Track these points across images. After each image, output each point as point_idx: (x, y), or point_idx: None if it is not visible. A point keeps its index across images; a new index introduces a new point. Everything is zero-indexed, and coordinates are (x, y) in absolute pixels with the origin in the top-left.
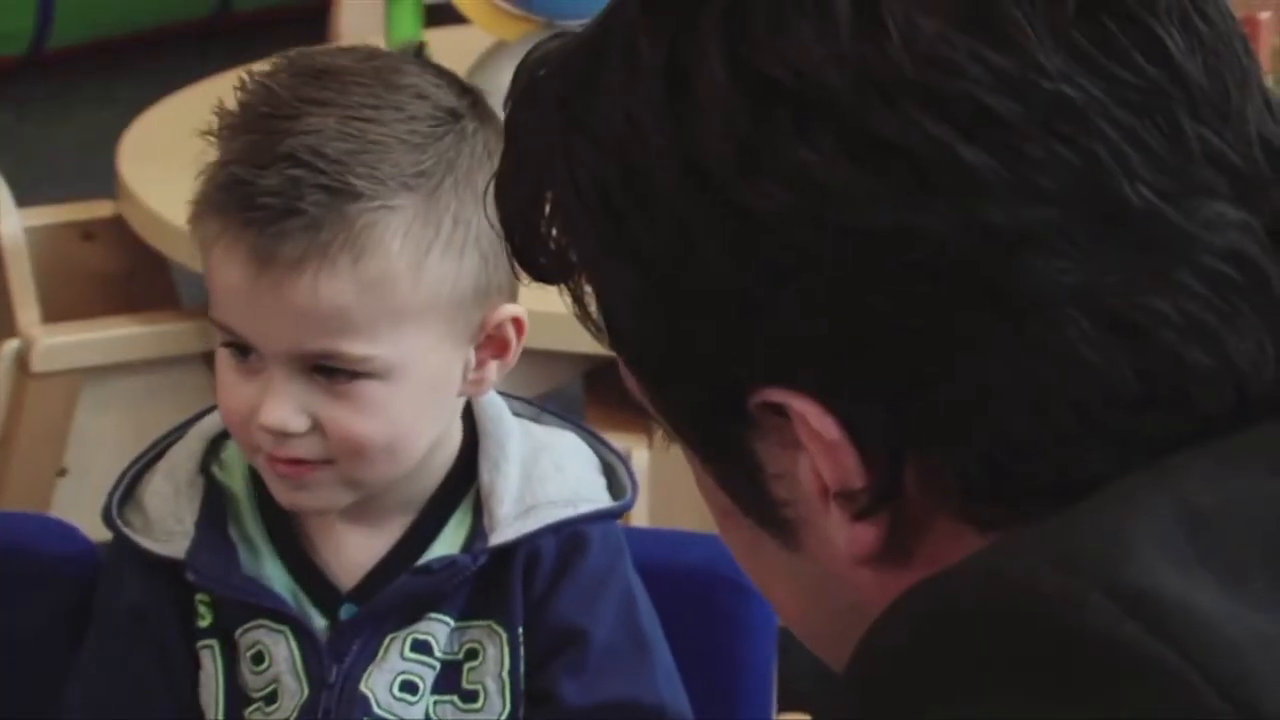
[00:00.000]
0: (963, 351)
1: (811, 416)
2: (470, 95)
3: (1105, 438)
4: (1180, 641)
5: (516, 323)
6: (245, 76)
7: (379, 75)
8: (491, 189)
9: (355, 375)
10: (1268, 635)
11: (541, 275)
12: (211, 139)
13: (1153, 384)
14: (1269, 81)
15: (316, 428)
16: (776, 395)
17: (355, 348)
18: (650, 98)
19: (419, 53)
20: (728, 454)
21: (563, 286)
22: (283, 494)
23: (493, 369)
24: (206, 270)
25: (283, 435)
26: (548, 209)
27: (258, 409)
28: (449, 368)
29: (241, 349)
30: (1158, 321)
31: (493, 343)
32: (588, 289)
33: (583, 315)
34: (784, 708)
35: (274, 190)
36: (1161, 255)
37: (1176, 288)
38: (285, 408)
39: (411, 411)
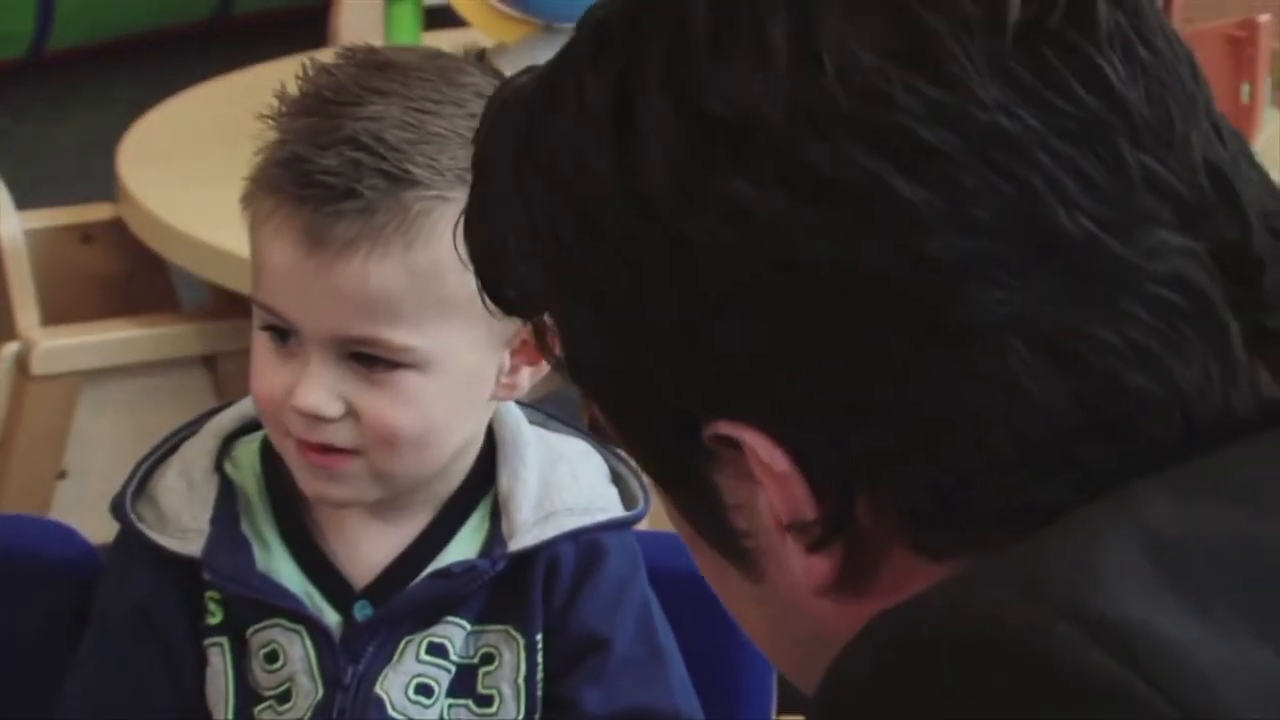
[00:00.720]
0: (901, 383)
1: (761, 449)
2: None
3: (1049, 466)
4: (1148, 669)
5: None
6: (307, 63)
7: (442, 73)
8: (461, 224)
9: (394, 365)
10: (1234, 663)
11: (510, 310)
12: (270, 122)
13: (1095, 412)
14: (1267, 84)
15: (349, 415)
16: (728, 428)
17: (398, 336)
18: (596, 131)
19: (481, 56)
20: (687, 484)
21: (527, 321)
22: (309, 483)
23: (525, 375)
24: (253, 249)
25: (316, 420)
26: (510, 244)
27: (293, 391)
28: (484, 368)
29: (281, 333)
30: (1099, 349)
31: (528, 348)
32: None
33: (545, 349)
34: (784, 710)
35: (333, 170)
36: (1102, 283)
37: (1119, 315)
38: (321, 391)
39: (445, 407)
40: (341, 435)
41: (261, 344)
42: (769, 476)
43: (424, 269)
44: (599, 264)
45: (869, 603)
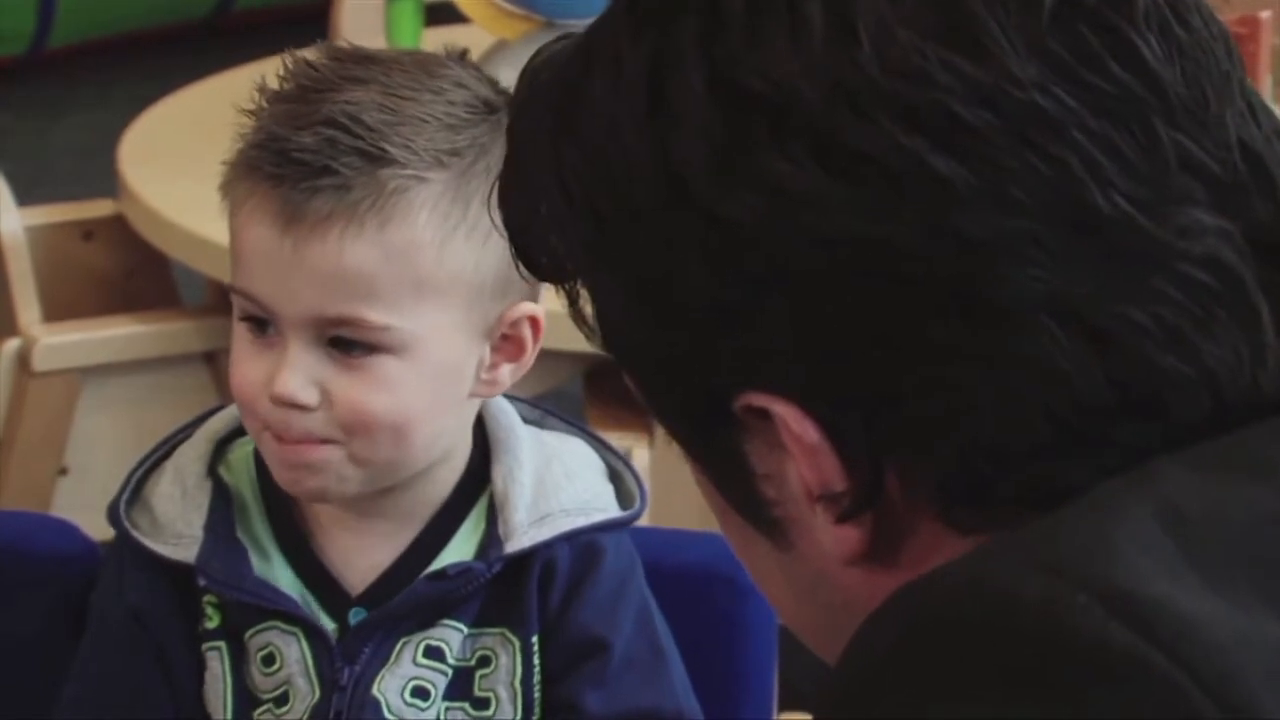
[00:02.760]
0: (936, 361)
1: (792, 420)
2: (507, 94)
3: (1081, 446)
4: (1167, 643)
5: (533, 323)
6: (287, 59)
7: (420, 65)
8: (496, 191)
9: (371, 350)
10: (1254, 638)
11: (542, 276)
12: (250, 116)
13: (1127, 392)
14: (1269, 81)
15: (325, 404)
16: (759, 399)
17: (375, 315)
18: (632, 109)
19: (463, 55)
20: (718, 454)
21: (560, 288)
22: (286, 475)
23: (506, 371)
24: (232, 235)
25: (293, 408)
26: (544, 213)
27: (270, 381)
28: (464, 358)
29: (259, 323)
30: (1132, 329)
31: (508, 344)
32: (584, 291)
33: (577, 316)
34: (785, 707)
35: (309, 148)
36: (1136, 263)
37: (1152, 295)
38: (298, 378)
39: (423, 395)
40: (318, 425)
41: (240, 335)
42: (799, 447)
43: (399, 247)
44: (634, 239)
45: (897, 573)
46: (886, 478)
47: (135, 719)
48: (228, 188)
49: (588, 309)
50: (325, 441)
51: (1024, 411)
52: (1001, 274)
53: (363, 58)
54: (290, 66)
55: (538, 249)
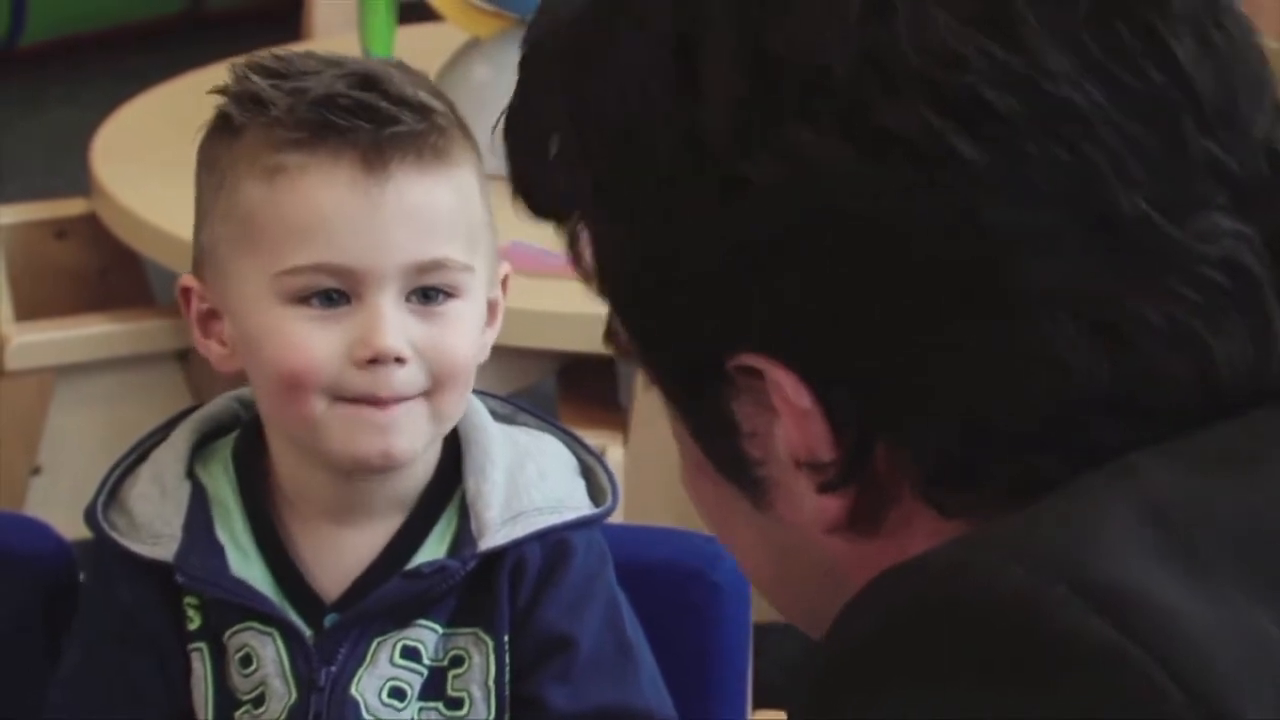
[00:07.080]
0: (935, 343)
1: (787, 385)
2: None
3: (1069, 439)
4: (1144, 636)
5: (504, 283)
6: (237, 70)
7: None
8: (502, 120)
9: (449, 295)
10: (1233, 631)
11: (538, 210)
12: (243, 108)
13: (1128, 390)
14: None
15: (415, 357)
16: (755, 361)
17: (461, 254)
18: (657, 62)
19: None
20: (706, 409)
21: (558, 226)
22: (370, 443)
23: (490, 336)
24: (270, 219)
25: (390, 366)
26: (553, 150)
27: (353, 347)
28: (483, 311)
29: (327, 296)
30: (1144, 328)
31: (493, 306)
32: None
33: (574, 258)
34: (759, 705)
35: (370, 99)
36: (1153, 263)
37: (1166, 294)
38: (396, 331)
39: (476, 340)
40: (409, 380)
41: (293, 318)
42: (791, 412)
43: (462, 187)
44: (643, 189)
45: (875, 542)
46: (875, 452)
47: (136, 715)
48: (270, 175)
49: (586, 252)
50: (414, 397)
51: (1022, 402)
52: (1017, 265)
53: (295, 57)
54: (245, 71)
55: (539, 184)
